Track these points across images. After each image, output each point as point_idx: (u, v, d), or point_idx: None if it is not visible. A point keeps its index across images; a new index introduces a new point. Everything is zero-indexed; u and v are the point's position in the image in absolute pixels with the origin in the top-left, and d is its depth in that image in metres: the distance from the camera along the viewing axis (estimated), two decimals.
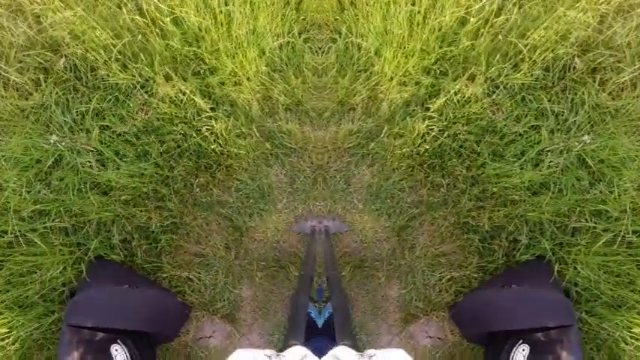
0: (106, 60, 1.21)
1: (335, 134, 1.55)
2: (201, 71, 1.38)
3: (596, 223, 1.18)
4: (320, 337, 1.19)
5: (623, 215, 1.16)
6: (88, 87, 1.24)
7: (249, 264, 1.49)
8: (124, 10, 1.16)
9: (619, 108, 1.21)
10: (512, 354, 1.07)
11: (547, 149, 1.27)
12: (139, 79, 1.26)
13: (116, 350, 1.09)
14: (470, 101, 1.35)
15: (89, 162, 1.20)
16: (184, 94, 1.31)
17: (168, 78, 1.31)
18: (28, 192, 1.17)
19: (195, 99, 1.32)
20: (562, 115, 1.25)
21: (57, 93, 1.19)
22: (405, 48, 1.38)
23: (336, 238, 1.50)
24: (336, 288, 0.96)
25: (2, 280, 1.17)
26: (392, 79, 1.43)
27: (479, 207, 1.37)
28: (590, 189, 1.22)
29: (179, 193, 1.41)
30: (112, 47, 1.19)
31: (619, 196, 1.17)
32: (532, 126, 1.29)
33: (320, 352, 1.18)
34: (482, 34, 1.29)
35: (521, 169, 1.29)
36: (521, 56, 1.29)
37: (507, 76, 1.30)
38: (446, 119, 1.38)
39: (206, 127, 1.36)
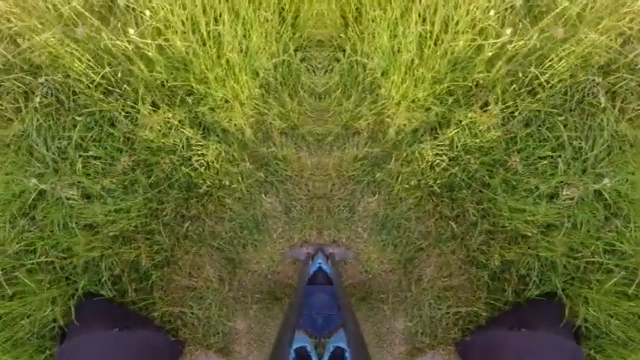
0: (88, 85, 1.23)
1: (339, 160, 1.57)
2: (190, 99, 1.40)
3: (609, 259, 1.22)
4: None
5: (638, 253, 1.19)
6: (70, 112, 1.27)
7: (244, 296, 1.52)
8: (104, 35, 1.16)
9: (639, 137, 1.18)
10: None
11: (563, 182, 1.26)
12: (124, 108, 1.28)
13: None
14: (483, 131, 1.33)
15: (74, 196, 1.23)
16: (171, 124, 1.35)
17: (155, 106, 1.32)
18: (13, 228, 1.21)
19: (184, 130, 1.35)
20: (579, 146, 1.23)
21: (38, 120, 1.22)
22: (414, 73, 1.37)
23: (341, 269, 1.51)
24: (350, 316, 0.95)
25: None
26: (399, 103, 1.45)
27: (489, 241, 1.40)
28: (606, 224, 1.25)
29: (169, 226, 1.44)
30: (92, 75, 1.21)
31: (635, 232, 1.20)
32: (547, 156, 1.31)
33: None
34: (498, 61, 1.26)
35: (535, 203, 1.31)
36: (538, 81, 1.28)
37: (523, 100, 1.27)
38: (456, 149, 1.40)
39: (196, 157, 1.40)
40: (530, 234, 1.31)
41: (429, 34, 1.31)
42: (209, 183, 1.45)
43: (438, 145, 1.44)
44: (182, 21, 1.25)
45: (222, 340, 1.48)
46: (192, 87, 1.36)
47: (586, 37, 1.20)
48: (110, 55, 1.23)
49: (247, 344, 1.51)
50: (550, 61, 1.27)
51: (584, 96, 1.28)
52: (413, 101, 1.45)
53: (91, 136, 1.25)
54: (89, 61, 1.21)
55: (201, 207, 1.48)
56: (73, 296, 1.28)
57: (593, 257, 1.24)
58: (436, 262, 1.48)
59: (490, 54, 1.30)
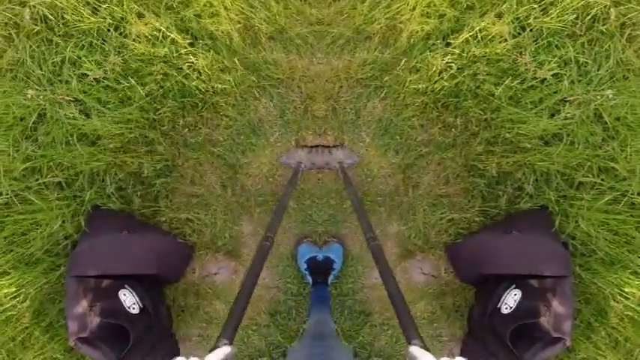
0: (75, 5, 1.60)
1: (349, 63, 2.03)
2: (174, 4, 1.76)
3: (602, 180, 1.73)
4: (321, 286, 1.89)
5: (632, 175, 1.69)
6: (61, 36, 1.66)
7: (247, 200, 2.10)
8: None
9: None
10: (503, 297, 1.70)
11: (566, 99, 1.75)
12: (111, 21, 1.67)
13: (124, 295, 1.58)
14: (494, 40, 1.77)
15: (72, 113, 1.68)
16: (159, 31, 1.72)
17: (140, 16, 1.71)
18: (17, 151, 1.65)
19: (172, 35, 1.74)
20: (585, 67, 1.68)
21: (30, 46, 1.61)
22: None
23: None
24: (381, 257, 1.19)
25: (4, 241, 1.65)
26: (414, 8, 1.83)
27: (489, 151, 1.94)
28: (602, 145, 1.73)
29: (168, 136, 1.96)
30: None
31: (630, 155, 1.67)
32: (554, 74, 1.74)
33: (323, 301, 1.90)
34: None
35: (537, 116, 1.81)
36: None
37: (536, 18, 1.67)
38: (466, 57, 1.82)
39: (187, 63, 1.81)
40: (529, 145, 1.82)
41: None
42: (202, 89, 1.91)
43: (448, 54, 1.84)
44: None
45: (229, 244, 2.12)
46: None
47: None
48: None
49: (254, 246, 2.14)
50: None
51: (594, 22, 1.68)
52: (428, 6, 1.82)
53: (83, 54, 1.65)
54: None
55: (197, 115, 1.99)
56: (81, 212, 1.74)
57: (588, 176, 1.75)
58: (435, 170, 2.06)
59: None
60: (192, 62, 1.77)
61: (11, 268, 1.64)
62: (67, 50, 1.61)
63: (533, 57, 1.75)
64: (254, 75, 1.98)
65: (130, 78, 1.72)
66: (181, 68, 1.79)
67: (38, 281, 1.67)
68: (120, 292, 1.59)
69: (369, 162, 2.06)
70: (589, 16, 1.68)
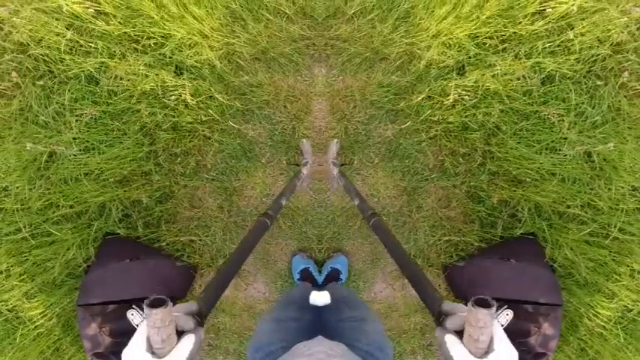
0: (67, 50, 1.72)
1: (364, 84, 2.12)
2: (151, 43, 1.86)
3: (586, 212, 2.01)
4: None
5: (613, 211, 1.97)
6: (60, 80, 1.77)
7: (243, 220, 2.25)
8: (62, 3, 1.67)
9: (632, 114, 1.90)
10: (496, 317, 1.91)
11: (565, 138, 1.96)
12: (100, 66, 1.79)
13: (132, 314, 1.73)
14: (509, 80, 1.92)
15: (76, 153, 1.81)
16: (142, 71, 1.83)
17: (124, 57, 1.83)
18: (32, 189, 1.80)
19: (152, 72, 1.84)
20: (582, 111, 1.90)
21: (35, 92, 1.72)
22: (461, 11, 1.85)
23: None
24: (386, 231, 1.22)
25: (31, 269, 1.88)
26: (436, 37, 1.93)
27: (491, 181, 2.15)
28: (590, 182, 1.99)
29: (163, 166, 2.08)
30: (61, 40, 1.71)
31: (614, 194, 1.94)
32: (557, 114, 1.95)
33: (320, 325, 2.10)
34: (542, 18, 1.82)
35: (537, 153, 2.01)
36: (566, 45, 1.84)
37: (550, 60, 1.85)
38: (480, 91, 1.96)
39: (173, 96, 1.91)
40: (528, 179, 2.05)
41: None
42: (190, 120, 2.01)
43: (463, 84, 1.98)
44: None
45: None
46: (147, 31, 1.82)
47: (610, 14, 1.73)
48: (77, 19, 1.75)
49: (254, 263, 2.33)
50: (579, 28, 1.79)
51: (592, 68, 1.87)
52: (450, 37, 1.93)
53: (80, 97, 1.78)
54: (60, 29, 1.71)
55: (189, 143, 2.08)
56: (93, 239, 1.97)
57: (575, 209, 2.02)
58: (438, 194, 2.26)
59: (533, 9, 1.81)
60: (180, 94, 1.88)
61: (38, 291, 1.91)
62: (66, 95, 1.72)
63: (542, 99, 1.93)
64: (240, 100, 2.06)
65: (121, 117, 1.86)
66: (168, 101, 1.89)
67: (62, 301, 1.96)
68: (128, 312, 1.74)
69: (376, 182, 2.20)
70: (591, 63, 1.88)
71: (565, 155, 1.96)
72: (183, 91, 1.88)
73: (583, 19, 1.81)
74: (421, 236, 2.24)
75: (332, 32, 2.07)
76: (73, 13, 1.75)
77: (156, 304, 0.63)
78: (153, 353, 0.64)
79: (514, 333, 1.85)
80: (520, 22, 1.86)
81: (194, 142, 2.08)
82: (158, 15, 1.80)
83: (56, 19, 1.74)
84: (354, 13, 2.06)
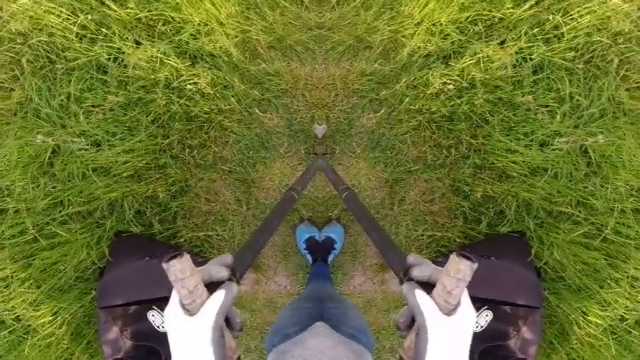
0: (72, 38, 1.61)
1: (347, 72, 2.01)
2: (169, 29, 1.75)
3: (580, 212, 1.76)
4: (320, 264, 2.10)
5: (608, 212, 1.74)
6: (63, 71, 1.68)
7: (262, 212, 2.11)
8: None
9: (634, 109, 1.61)
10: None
11: (556, 132, 1.73)
12: (108, 53, 1.69)
13: (153, 315, 1.63)
14: (494, 68, 1.74)
15: (83, 147, 1.74)
16: (157, 57, 1.74)
17: (137, 44, 1.72)
18: (37, 187, 1.69)
19: (170, 60, 1.75)
20: (578, 103, 1.66)
21: (36, 83, 1.64)
22: None
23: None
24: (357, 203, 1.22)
25: (36, 274, 1.73)
26: (419, 24, 1.79)
27: (476, 175, 1.95)
28: (584, 180, 1.74)
29: (178, 158, 1.99)
30: (71, 26, 1.59)
31: (610, 193, 1.70)
32: (547, 105, 1.73)
33: (322, 275, 1.99)
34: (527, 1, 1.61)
35: (527, 148, 1.79)
36: (556, 32, 1.61)
37: (539, 47, 1.66)
38: (465, 80, 1.80)
39: (189, 85, 1.82)
40: (515, 174, 1.82)
41: None
42: (207, 110, 1.93)
43: (448, 74, 1.82)
44: None
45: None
46: (167, 16, 1.72)
47: (610, 1, 1.49)
48: (83, 3, 1.58)
49: (274, 256, 2.25)
50: (572, 14, 1.55)
51: (592, 57, 1.59)
52: (433, 24, 1.77)
53: (87, 87, 1.68)
54: (67, 15, 1.58)
55: (205, 134, 2.00)
56: (105, 238, 1.81)
57: (567, 207, 1.78)
58: (421, 187, 2.08)
59: None
60: (195, 83, 1.80)
61: (46, 297, 1.75)
62: (71, 86, 1.65)
63: (531, 89, 1.71)
64: (257, 88, 1.97)
65: (133, 108, 1.78)
66: (183, 90, 1.82)
67: (72, 307, 1.79)
68: (148, 313, 1.66)
69: (358, 173, 2.07)
70: (589, 53, 1.64)
71: (557, 149, 1.78)
72: (199, 80, 1.78)
73: (578, 5, 1.56)
74: (403, 230, 2.09)
75: (315, 20, 1.96)
76: None
77: (172, 258, 0.60)
78: (187, 310, 0.62)
79: (493, 335, 1.69)
80: (504, 6, 1.65)
81: (210, 134, 1.96)
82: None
83: (60, 5, 1.57)
84: (338, 1, 1.95)
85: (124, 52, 1.67)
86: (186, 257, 0.60)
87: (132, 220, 1.89)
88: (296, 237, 2.18)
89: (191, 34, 1.76)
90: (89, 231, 1.80)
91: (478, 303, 1.78)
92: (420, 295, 0.64)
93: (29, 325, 1.74)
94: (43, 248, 1.72)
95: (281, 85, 1.99)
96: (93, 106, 1.72)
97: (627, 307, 1.73)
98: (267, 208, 2.10)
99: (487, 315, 1.73)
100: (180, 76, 1.78)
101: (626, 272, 1.73)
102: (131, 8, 1.61)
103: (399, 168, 2.06)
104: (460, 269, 0.61)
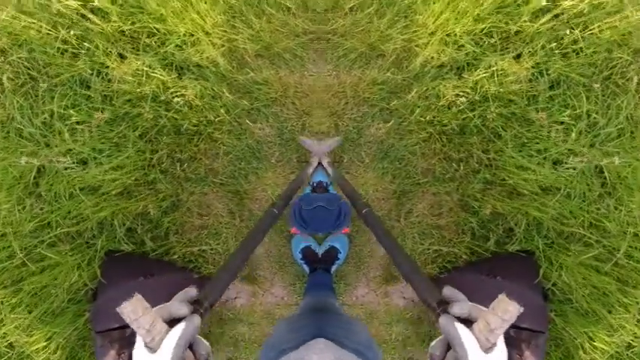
0: (53, 54, 1.57)
1: (358, 80, 1.99)
2: (153, 41, 1.73)
3: (591, 234, 1.74)
4: (321, 273, 2.07)
5: (621, 235, 1.71)
6: (46, 87, 1.64)
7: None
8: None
9: None
10: None
11: (570, 151, 1.71)
12: (93, 67, 1.65)
13: None
14: (509, 81, 1.70)
15: (70, 165, 1.69)
16: (142, 71, 1.71)
17: (122, 57, 1.68)
18: (23, 209, 1.65)
19: (156, 72, 1.72)
20: (595, 121, 1.63)
21: (17, 101, 1.59)
22: (457, 5, 1.67)
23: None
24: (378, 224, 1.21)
25: (27, 299, 1.71)
26: (433, 34, 1.75)
27: (485, 190, 1.92)
28: (598, 200, 1.72)
29: (168, 173, 1.96)
30: (52, 42, 1.55)
31: (624, 215, 1.68)
32: (562, 122, 1.70)
33: (321, 286, 1.97)
34: (546, 14, 1.59)
35: (540, 164, 1.76)
36: (574, 47, 1.58)
37: (555, 62, 1.62)
38: (478, 93, 1.76)
39: (176, 98, 1.80)
40: (526, 192, 1.80)
41: None
42: (196, 122, 1.90)
43: (461, 86, 1.78)
44: None
45: (245, 268, 2.20)
46: (151, 27, 1.68)
47: (632, 16, 1.44)
48: (64, 18, 1.55)
49: (269, 267, 2.23)
50: (592, 29, 1.51)
51: (611, 74, 1.57)
52: (448, 35, 1.73)
53: (71, 104, 1.64)
54: (48, 30, 1.54)
55: (195, 147, 1.97)
56: (97, 258, 1.78)
57: (578, 229, 1.75)
58: (429, 200, 2.06)
59: (544, 3, 1.54)
60: (183, 95, 1.77)
61: (39, 322, 1.72)
62: (54, 103, 1.60)
63: (547, 104, 1.68)
64: (246, 98, 1.95)
65: (120, 124, 1.73)
66: (170, 103, 1.78)
67: (66, 331, 1.76)
68: None
69: (365, 183, 2.06)
70: (609, 69, 1.60)
71: (571, 168, 1.76)
72: (186, 92, 1.76)
73: (599, 20, 1.53)
74: (409, 243, 2.08)
75: (329, 26, 1.93)
76: (59, 12, 1.57)
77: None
78: (149, 348, 0.63)
79: None
80: (521, 19, 1.61)
81: (200, 146, 1.95)
82: (163, 9, 1.65)
83: (39, 20, 1.55)
84: (351, 7, 1.91)
85: (108, 67, 1.64)
86: (137, 297, 0.64)
87: (123, 239, 1.86)
88: (291, 247, 2.16)
89: (177, 46, 1.74)
90: (79, 252, 1.77)
91: None
92: (461, 328, 0.66)
93: (23, 352, 1.71)
94: (32, 272, 1.70)
95: (270, 93, 1.97)
96: (78, 123, 1.68)
97: (635, 334, 1.73)
98: None
99: None
100: (168, 88, 1.76)
101: (635, 298, 1.72)
102: (114, 21, 1.60)
103: (408, 180, 2.04)
104: (508, 310, 0.63)
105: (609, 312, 1.76)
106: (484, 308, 0.68)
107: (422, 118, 1.90)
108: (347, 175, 2.07)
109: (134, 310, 0.63)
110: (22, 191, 1.64)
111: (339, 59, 1.98)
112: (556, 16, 1.59)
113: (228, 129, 1.98)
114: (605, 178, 1.69)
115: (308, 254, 2.08)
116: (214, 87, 1.84)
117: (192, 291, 0.73)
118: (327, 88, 2.01)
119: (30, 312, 1.71)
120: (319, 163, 1.93)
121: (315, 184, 2.00)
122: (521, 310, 0.63)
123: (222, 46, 1.85)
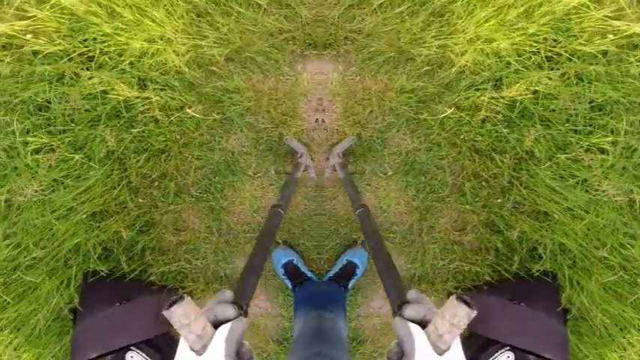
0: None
1: (384, 87, 1.90)
2: (107, 59, 1.67)
3: (615, 257, 1.83)
4: (309, 284, 2.06)
5: None
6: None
7: (235, 238, 2.14)
8: None
9: None
10: (496, 355, 1.83)
11: (606, 177, 1.77)
12: (48, 90, 1.61)
13: (131, 357, 1.67)
14: (552, 102, 1.71)
15: (35, 194, 1.64)
16: (99, 89, 1.65)
17: (76, 75, 1.62)
18: None
19: (116, 88, 1.64)
20: (634, 147, 1.68)
21: None
22: (506, 16, 1.62)
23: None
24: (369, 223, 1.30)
25: (11, 323, 1.73)
26: (473, 42, 1.70)
27: (513, 210, 1.98)
28: (626, 227, 1.79)
29: (139, 192, 1.91)
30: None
31: None
32: (603, 151, 1.73)
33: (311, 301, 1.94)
34: (602, 39, 1.58)
35: (572, 188, 1.81)
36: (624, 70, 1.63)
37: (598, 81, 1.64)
38: (516, 111, 1.76)
39: (140, 115, 1.73)
40: (556, 215, 1.88)
41: None
42: (163, 138, 1.84)
43: (497, 101, 1.77)
44: None
45: (226, 282, 2.19)
46: (102, 44, 1.64)
47: None
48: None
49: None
50: None
51: None
52: (489, 45, 1.70)
53: (30, 128, 1.58)
54: None
55: (165, 164, 1.91)
56: (75, 278, 1.83)
57: (604, 255, 1.84)
58: (453, 216, 2.12)
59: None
60: (148, 109, 1.70)
61: (24, 343, 1.77)
62: (14, 125, 1.52)
63: (586, 126, 1.71)
64: (216, 108, 1.86)
65: (82, 147, 1.67)
66: (135, 120, 1.72)
67: (53, 348, 1.85)
68: (127, 355, 1.66)
69: (387, 196, 2.07)
70: None
71: (603, 194, 1.77)
72: (151, 106, 1.71)
73: None
74: (429, 259, 2.13)
75: (354, 24, 1.82)
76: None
77: (173, 303, 0.61)
78: (196, 352, 0.62)
79: None
80: (574, 38, 1.61)
81: (170, 163, 1.92)
82: (111, 26, 1.60)
83: None
84: (381, 4, 1.80)
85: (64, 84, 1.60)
86: (188, 300, 0.62)
87: (97, 262, 1.85)
88: (272, 262, 2.17)
89: (135, 58, 1.66)
90: (56, 274, 1.80)
91: (500, 342, 1.81)
92: (417, 332, 0.65)
93: None
94: (13, 298, 1.72)
95: (243, 102, 1.90)
96: (37, 152, 1.61)
97: None
98: (240, 233, 2.12)
99: (509, 357, 1.78)
100: (131, 104, 1.69)
101: None
102: (58, 44, 1.59)
103: (432, 195, 2.06)
104: (457, 314, 0.62)
105: (621, 333, 1.86)
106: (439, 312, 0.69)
107: (452, 131, 1.90)
108: (368, 187, 2.08)
109: (186, 314, 0.60)
110: None
111: (364, 62, 1.87)
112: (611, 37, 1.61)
113: (200, 142, 1.92)
114: (636, 209, 1.77)
115: (290, 269, 2.10)
116: (182, 97, 1.77)
117: (228, 293, 0.72)
118: (351, 94, 1.93)
119: (18, 329, 1.75)
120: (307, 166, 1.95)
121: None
122: (474, 313, 0.62)
123: (187, 53, 1.76)
